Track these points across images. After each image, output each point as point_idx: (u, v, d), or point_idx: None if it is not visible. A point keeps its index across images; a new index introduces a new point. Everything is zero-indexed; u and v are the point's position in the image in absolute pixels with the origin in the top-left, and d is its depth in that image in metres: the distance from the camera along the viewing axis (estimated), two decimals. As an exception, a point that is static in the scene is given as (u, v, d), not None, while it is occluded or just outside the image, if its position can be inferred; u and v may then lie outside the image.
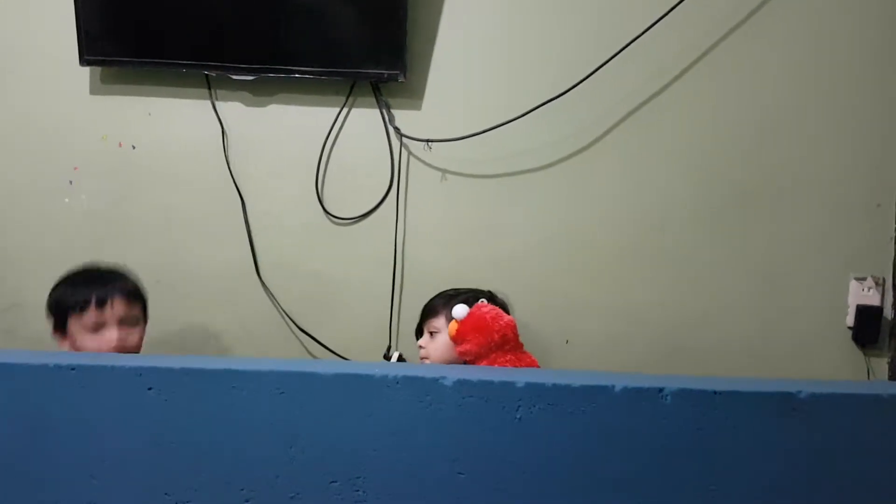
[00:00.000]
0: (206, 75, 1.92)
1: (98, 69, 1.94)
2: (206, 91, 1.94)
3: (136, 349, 1.57)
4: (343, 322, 1.97)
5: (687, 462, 1.02)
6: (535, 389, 1.02)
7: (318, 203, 1.95)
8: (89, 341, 1.51)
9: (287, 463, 1.02)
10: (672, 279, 1.95)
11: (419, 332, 1.75)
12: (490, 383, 1.03)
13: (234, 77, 1.89)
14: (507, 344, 1.31)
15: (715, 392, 1.02)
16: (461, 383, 1.03)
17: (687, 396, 1.03)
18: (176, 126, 1.96)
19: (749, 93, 1.91)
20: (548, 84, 1.90)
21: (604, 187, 1.95)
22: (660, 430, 1.03)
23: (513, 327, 1.36)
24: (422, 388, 1.03)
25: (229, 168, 1.95)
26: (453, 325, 1.35)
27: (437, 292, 1.75)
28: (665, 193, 1.94)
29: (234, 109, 1.95)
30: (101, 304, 1.52)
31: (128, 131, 1.96)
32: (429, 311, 1.71)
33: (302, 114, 1.95)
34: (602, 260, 1.96)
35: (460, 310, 1.40)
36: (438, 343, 1.64)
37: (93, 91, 1.96)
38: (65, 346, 1.54)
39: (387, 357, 1.94)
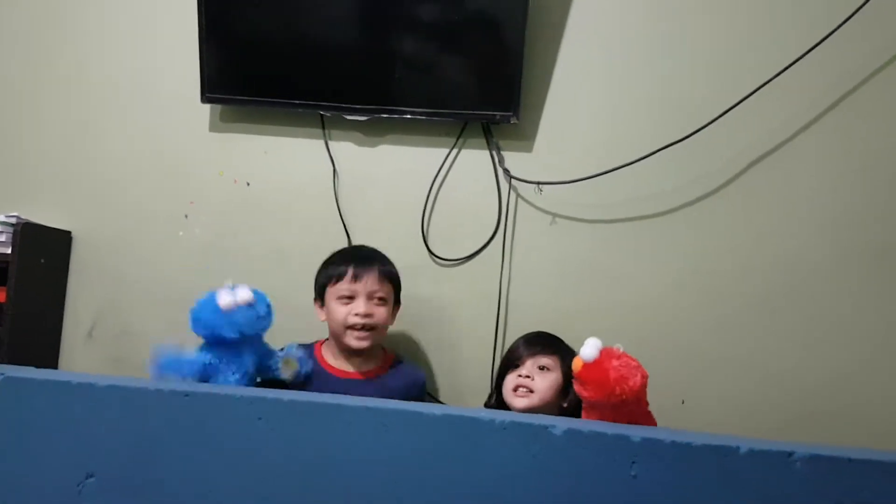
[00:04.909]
0: (321, 115, 1.97)
1: (218, 107, 2.04)
2: (319, 131, 2.00)
3: (383, 323, 1.69)
4: (444, 365, 1.94)
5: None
6: (652, 446, 0.96)
7: (423, 244, 1.96)
8: (340, 309, 1.65)
9: (392, 501, 0.99)
10: (806, 337, 1.81)
11: (509, 368, 1.66)
12: (603, 435, 0.98)
13: (348, 117, 1.94)
14: (626, 408, 1.23)
15: (850, 460, 0.94)
16: (571, 433, 0.99)
17: (819, 462, 0.95)
18: (290, 164, 2.02)
19: (888, 140, 1.79)
20: (669, 127, 1.85)
21: (731, 236, 1.85)
22: (788, 499, 0.95)
23: (635, 392, 1.24)
24: (530, 434, 1.00)
25: (338, 206, 1.98)
26: (578, 362, 1.26)
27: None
28: (800, 244, 1.83)
29: (345, 149, 2.00)
30: (355, 277, 1.66)
31: (243, 168, 2.03)
32: (524, 350, 1.65)
33: (411, 154, 1.97)
34: (725, 314, 1.84)
35: (591, 350, 1.25)
36: (549, 381, 1.59)
37: (212, 128, 2.06)
38: (322, 315, 1.70)
39: (488, 405, 1.88)
